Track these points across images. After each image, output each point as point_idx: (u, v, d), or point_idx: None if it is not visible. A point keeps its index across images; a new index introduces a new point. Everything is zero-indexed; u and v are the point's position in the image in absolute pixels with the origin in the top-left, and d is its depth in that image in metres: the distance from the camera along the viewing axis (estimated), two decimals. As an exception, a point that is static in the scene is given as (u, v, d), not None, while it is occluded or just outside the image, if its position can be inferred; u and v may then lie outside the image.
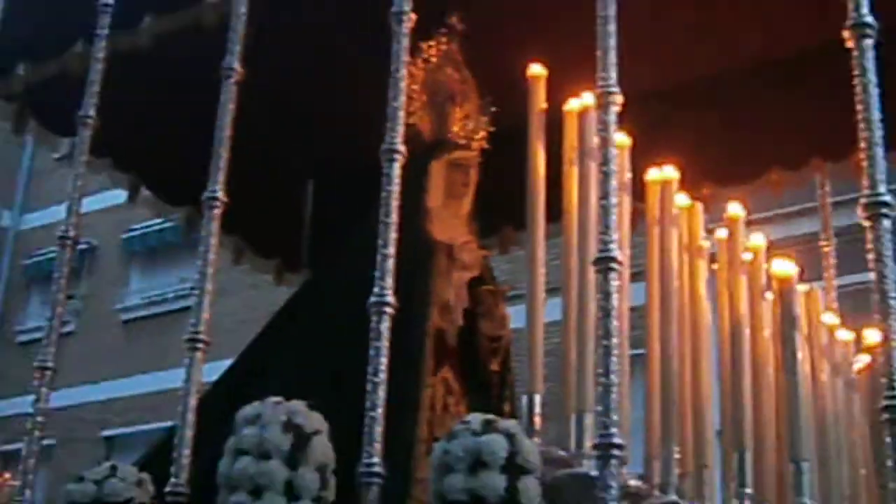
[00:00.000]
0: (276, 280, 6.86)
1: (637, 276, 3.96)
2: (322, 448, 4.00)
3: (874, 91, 3.51)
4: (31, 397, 5.04)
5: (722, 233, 4.40)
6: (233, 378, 5.24)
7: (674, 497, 3.71)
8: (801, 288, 4.31)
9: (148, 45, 5.43)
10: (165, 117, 5.93)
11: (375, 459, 3.83)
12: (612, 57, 3.93)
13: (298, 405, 4.04)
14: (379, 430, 3.88)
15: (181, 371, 4.43)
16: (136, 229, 19.14)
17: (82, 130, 5.32)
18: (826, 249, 5.95)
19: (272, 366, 5.01)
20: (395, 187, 4.23)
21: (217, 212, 4.68)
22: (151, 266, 20.40)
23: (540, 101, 4.44)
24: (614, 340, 3.58)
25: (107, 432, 16.99)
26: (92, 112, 5.29)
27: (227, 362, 5.42)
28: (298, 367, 4.80)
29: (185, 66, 5.35)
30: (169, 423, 5.11)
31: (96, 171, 6.00)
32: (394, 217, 4.18)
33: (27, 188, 22.72)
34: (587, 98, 4.20)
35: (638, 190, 4.31)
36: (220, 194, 4.66)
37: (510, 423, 3.71)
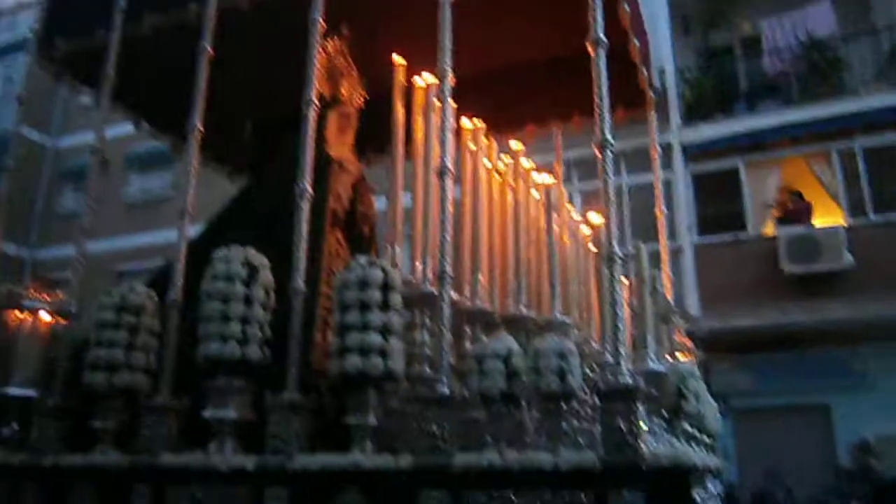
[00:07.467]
0: (229, 179, 6.36)
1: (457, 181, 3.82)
2: (266, 276, 3.80)
3: (605, 81, 3.45)
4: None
5: (507, 159, 4.31)
6: (206, 235, 4.91)
7: (480, 303, 3.67)
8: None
9: (148, 33, 4.85)
10: (161, 78, 5.32)
11: (300, 282, 3.68)
12: (448, 50, 3.77)
13: (251, 250, 3.81)
14: (302, 265, 3.70)
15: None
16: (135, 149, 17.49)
17: (104, 83, 4.81)
18: (557, 169, 5.45)
19: (232, 227, 4.71)
20: (311, 124, 3.99)
21: (196, 136, 4.34)
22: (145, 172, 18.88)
23: (400, 78, 4.24)
24: (448, 215, 3.51)
25: (119, 268, 15.77)
26: (111, 71, 4.79)
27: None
28: (250, 228, 4.52)
29: (172, 47, 4.79)
30: (161, 263, 4.72)
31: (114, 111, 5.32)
32: (310, 142, 3.95)
33: (61, 120, 20.71)
34: (428, 76, 4.03)
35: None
36: (199, 126, 4.32)
37: (384, 262, 3.59)
